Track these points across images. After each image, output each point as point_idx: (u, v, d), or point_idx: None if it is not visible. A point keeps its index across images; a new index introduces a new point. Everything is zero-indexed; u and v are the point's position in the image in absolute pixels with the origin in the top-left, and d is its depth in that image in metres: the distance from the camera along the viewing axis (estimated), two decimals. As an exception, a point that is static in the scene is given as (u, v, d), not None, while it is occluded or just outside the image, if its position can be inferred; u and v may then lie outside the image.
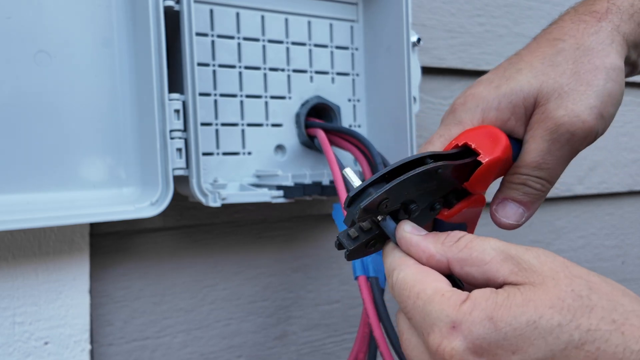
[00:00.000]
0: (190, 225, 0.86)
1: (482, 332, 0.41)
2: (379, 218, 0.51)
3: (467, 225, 0.59)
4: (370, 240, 0.52)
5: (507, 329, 0.41)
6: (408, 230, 0.50)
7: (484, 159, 0.53)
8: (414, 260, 0.49)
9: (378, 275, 0.71)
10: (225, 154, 0.81)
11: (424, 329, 0.44)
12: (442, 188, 0.54)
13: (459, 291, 0.45)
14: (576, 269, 0.43)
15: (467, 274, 0.46)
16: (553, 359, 0.40)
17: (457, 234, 0.48)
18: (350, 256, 0.51)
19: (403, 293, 0.47)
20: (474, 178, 0.54)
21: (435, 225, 0.59)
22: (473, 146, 0.54)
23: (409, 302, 0.46)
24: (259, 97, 0.84)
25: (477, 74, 1.14)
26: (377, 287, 0.71)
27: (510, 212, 0.59)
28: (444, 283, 0.46)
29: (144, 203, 0.72)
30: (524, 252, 0.45)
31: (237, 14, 0.82)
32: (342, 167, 0.72)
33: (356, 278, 0.71)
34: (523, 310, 0.41)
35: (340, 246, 0.51)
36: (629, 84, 1.39)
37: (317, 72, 0.88)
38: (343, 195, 0.71)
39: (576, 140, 0.57)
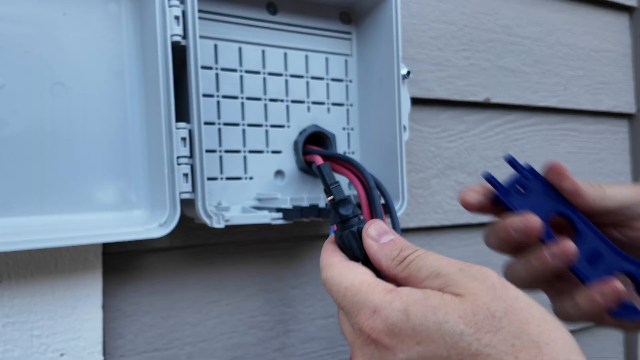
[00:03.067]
0: (196, 245, 0.86)
1: (396, 320, 0.45)
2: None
3: None
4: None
5: (416, 322, 0.44)
6: (370, 235, 0.53)
7: None
8: (340, 258, 0.54)
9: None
10: (228, 178, 0.82)
11: (352, 313, 0.49)
12: None
13: (384, 282, 0.49)
14: (507, 292, 0.45)
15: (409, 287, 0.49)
16: (448, 358, 0.43)
17: (405, 252, 0.51)
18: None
19: (333, 289, 0.51)
20: None
21: None
22: None
23: (340, 295, 0.50)
24: (259, 125, 0.84)
25: (463, 104, 1.15)
26: None
27: None
28: (368, 275, 0.51)
29: (153, 224, 0.72)
30: (456, 272, 0.47)
31: (240, 49, 0.83)
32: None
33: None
34: (434, 311, 0.44)
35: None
36: (601, 114, 1.40)
37: (314, 103, 0.89)
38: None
39: None
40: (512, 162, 0.60)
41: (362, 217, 0.58)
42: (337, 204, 0.58)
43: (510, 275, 0.64)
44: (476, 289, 0.45)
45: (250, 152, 0.84)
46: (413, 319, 0.45)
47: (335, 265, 0.53)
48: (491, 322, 0.43)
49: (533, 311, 0.44)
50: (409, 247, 0.51)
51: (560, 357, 0.41)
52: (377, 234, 0.53)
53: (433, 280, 0.47)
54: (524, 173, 0.61)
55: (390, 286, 0.48)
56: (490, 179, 0.59)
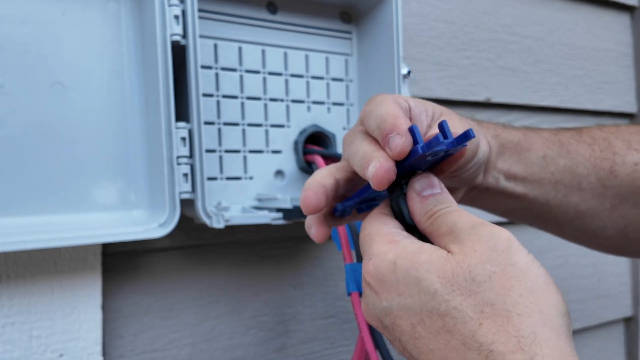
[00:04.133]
0: (196, 245, 0.86)
1: (384, 270, 0.48)
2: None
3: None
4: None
5: (400, 275, 0.47)
6: (415, 189, 0.53)
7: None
8: (380, 216, 0.54)
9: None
10: (228, 178, 0.82)
11: (364, 257, 0.52)
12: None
13: (397, 232, 0.52)
14: (506, 257, 0.45)
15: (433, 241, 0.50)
16: (420, 313, 0.45)
17: (436, 207, 0.51)
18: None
19: (361, 237, 0.54)
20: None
21: None
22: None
23: (360, 243, 0.54)
24: (259, 125, 0.84)
25: (464, 104, 1.15)
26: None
27: None
28: (390, 227, 0.52)
29: (153, 224, 0.72)
30: (467, 229, 0.47)
31: (240, 48, 0.83)
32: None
33: (349, 294, 0.71)
34: (418, 267, 0.46)
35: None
36: (602, 114, 1.40)
37: (314, 103, 0.89)
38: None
39: None
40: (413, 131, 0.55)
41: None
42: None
43: None
44: (472, 249, 0.45)
45: (250, 152, 0.84)
46: (398, 272, 0.47)
47: (372, 218, 0.54)
48: (468, 285, 0.44)
49: (524, 280, 0.44)
50: (443, 202, 0.51)
51: (526, 330, 0.41)
52: (420, 187, 0.52)
53: (447, 237, 0.48)
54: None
55: (395, 238, 0.51)
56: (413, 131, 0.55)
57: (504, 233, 0.46)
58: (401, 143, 0.50)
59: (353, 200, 0.59)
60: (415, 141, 0.51)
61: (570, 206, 0.77)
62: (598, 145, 0.77)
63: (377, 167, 0.50)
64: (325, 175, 0.57)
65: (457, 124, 0.61)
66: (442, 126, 0.49)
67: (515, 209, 0.78)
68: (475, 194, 0.74)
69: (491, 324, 0.42)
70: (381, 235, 0.51)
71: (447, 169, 0.54)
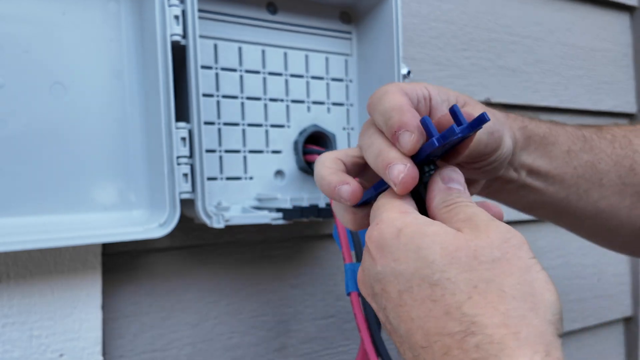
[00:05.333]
0: (196, 245, 0.86)
1: (387, 235, 0.48)
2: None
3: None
4: None
5: (402, 242, 0.46)
6: (444, 179, 0.52)
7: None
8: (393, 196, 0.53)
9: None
10: (228, 178, 0.82)
11: (371, 223, 0.51)
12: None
13: (411, 208, 0.51)
14: (517, 256, 0.44)
15: None
16: (410, 280, 0.45)
17: (457, 199, 0.50)
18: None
19: (373, 208, 0.53)
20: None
21: None
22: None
23: (373, 211, 0.52)
24: (259, 125, 0.84)
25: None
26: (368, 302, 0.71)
27: None
28: (404, 202, 0.51)
29: (153, 224, 0.72)
30: (486, 220, 0.47)
31: (240, 49, 0.83)
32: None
33: (349, 294, 0.71)
34: (422, 237, 0.46)
35: None
36: (602, 114, 1.40)
37: (314, 103, 0.89)
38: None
39: None
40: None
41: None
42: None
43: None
44: (485, 234, 0.45)
45: (250, 152, 0.84)
46: (402, 239, 0.47)
47: (388, 192, 0.53)
48: (469, 262, 0.43)
49: (526, 273, 0.44)
50: (467, 198, 0.51)
51: (515, 312, 0.41)
52: (448, 178, 0.52)
53: (463, 222, 0.47)
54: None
55: (407, 210, 0.50)
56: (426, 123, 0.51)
57: (521, 235, 0.46)
58: (411, 140, 0.50)
59: (371, 192, 0.57)
60: (430, 134, 0.50)
61: (589, 202, 0.76)
62: (619, 143, 0.77)
63: (404, 175, 0.49)
64: (337, 161, 0.57)
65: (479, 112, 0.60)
66: (454, 112, 0.48)
67: (534, 203, 0.77)
68: (497, 186, 0.74)
69: (481, 300, 0.42)
70: (394, 206, 0.50)
71: (462, 151, 0.53)
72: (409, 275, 0.45)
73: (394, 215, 0.49)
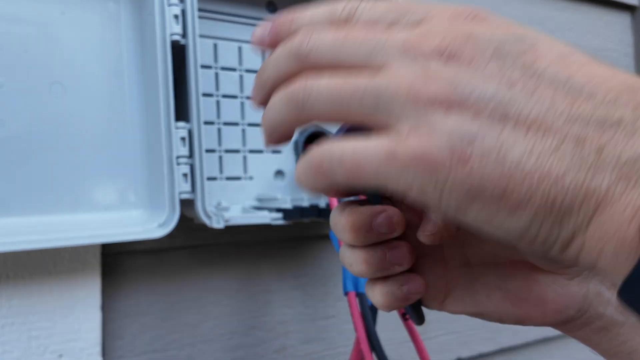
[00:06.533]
0: (196, 245, 0.86)
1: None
2: None
3: None
4: None
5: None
6: None
7: None
8: None
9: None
10: (228, 178, 0.82)
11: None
12: None
13: None
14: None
15: None
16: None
17: None
18: None
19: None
20: None
21: None
22: None
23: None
24: (259, 125, 0.84)
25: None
26: (366, 302, 0.71)
27: None
28: None
29: (152, 225, 0.72)
30: None
31: (239, 48, 0.83)
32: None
33: (346, 294, 0.71)
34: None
35: None
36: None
37: (314, 102, 0.89)
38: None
39: None
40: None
41: None
42: None
43: None
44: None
45: (250, 151, 0.84)
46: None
47: None
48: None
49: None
50: None
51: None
52: None
53: None
54: None
55: None
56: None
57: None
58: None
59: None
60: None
61: None
62: None
63: None
64: None
65: None
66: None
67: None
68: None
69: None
70: None
71: None
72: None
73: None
